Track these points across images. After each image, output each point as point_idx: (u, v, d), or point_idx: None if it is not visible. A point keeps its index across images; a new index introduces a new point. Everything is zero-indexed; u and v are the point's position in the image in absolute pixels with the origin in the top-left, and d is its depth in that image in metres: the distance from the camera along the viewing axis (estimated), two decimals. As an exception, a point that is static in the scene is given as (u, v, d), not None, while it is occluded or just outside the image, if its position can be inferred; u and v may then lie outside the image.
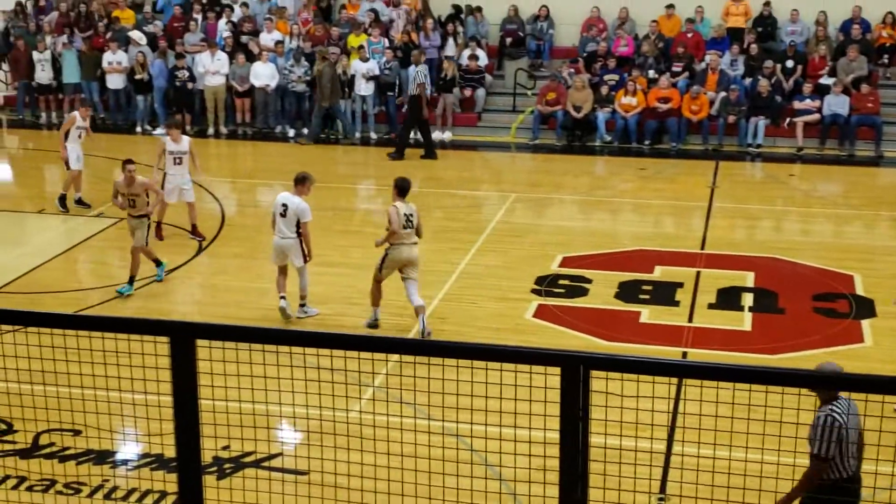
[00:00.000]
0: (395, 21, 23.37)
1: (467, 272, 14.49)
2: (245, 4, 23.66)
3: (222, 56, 22.10)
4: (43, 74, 23.08)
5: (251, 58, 22.21)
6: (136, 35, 23.03)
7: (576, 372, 3.95)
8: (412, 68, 20.96)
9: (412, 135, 20.84)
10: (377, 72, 21.82)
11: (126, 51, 22.73)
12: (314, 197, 18.27)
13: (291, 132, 22.28)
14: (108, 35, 23.19)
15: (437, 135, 22.02)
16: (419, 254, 12.41)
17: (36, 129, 23.19)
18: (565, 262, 14.69)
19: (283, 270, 12.69)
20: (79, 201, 17.17)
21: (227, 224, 16.69)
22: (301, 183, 12.62)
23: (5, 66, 24.68)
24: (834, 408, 6.77)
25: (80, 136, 16.81)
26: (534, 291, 13.63)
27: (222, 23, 23.38)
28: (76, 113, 17.16)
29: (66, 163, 16.61)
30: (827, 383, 5.84)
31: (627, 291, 13.70)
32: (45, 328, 4.68)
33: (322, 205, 17.87)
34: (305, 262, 12.63)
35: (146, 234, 13.63)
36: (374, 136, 22.15)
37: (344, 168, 20.83)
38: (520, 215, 17.30)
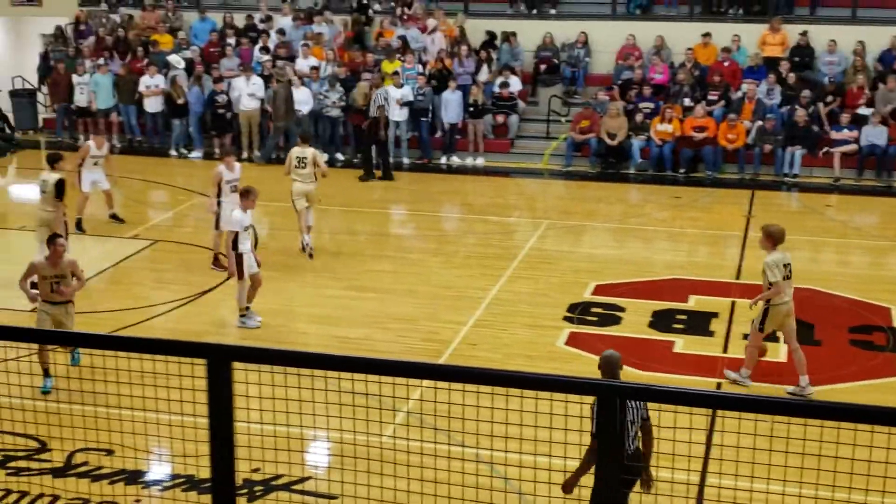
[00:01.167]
0: (428, 47, 23.47)
1: (499, 299, 14.44)
2: (282, 31, 23.84)
3: (258, 81, 22.26)
4: (81, 98, 23.33)
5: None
6: (173, 59, 23.24)
7: (611, 402, 3.92)
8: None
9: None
10: (410, 98, 21.90)
11: (164, 75, 22.95)
12: (347, 220, 18.38)
13: (325, 156, 22.35)
14: (146, 59, 23.43)
15: (468, 160, 22.08)
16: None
17: (74, 152, 23.34)
18: (598, 290, 14.62)
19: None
20: (113, 216, 17.52)
21: (260, 247, 16.72)
22: (245, 196, 13.30)
23: (45, 90, 24.96)
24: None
25: (95, 164, 17.00)
26: (566, 319, 13.57)
27: (258, 48, 23.58)
28: (90, 143, 17.38)
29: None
30: (866, 418, 5.76)
31: (661, 320, 13.60)
32: (81, 348, 4.70)
33: (354, 229, 17.98)
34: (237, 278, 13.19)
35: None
36: (406, 160, 22.21)
37: (375, 192, 20.88)
38: (552, 242, 17.25)
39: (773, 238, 11.11)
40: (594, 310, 13.90)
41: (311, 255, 15.80)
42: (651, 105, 21.83)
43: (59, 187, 14.69)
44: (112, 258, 16.10)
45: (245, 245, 13.14)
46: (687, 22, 23.52)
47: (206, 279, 15.07)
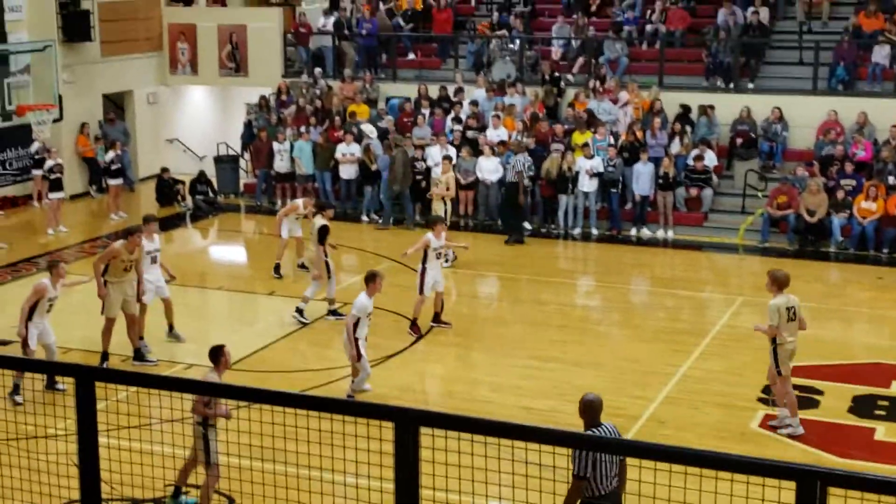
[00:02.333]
0: (620, 119, 23.32)
1: (689, 376, 14.02)
2: (474, 102, 24.17)
3: (450, 149, 22.58)
4: (281, 164, 24.18)
5: (477, 152, 22.60)
6: (367, 128, 23.85)
7: (811, 488, 3.68)
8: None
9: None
10: (601, 169, 21.76)
11: (358, 143, 23.56)
12: (534, 290, 18.27)
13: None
14: (343, 128, 24.13)
15: (659, 233, 21.69)
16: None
17: (272, 216, 24.18)
18: (795, 372, 13.91)
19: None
20: (301, 265, 18.71)
21: (445, 314, 16.82)
22: (371, 281, 13.12)
23: (247, 156, 26.02)
24: (595, 431, 8.01)
25: (296, 219, 18.50)
26: (760, 400, 13.03)
27: (450, 118, 23.95)
28: (299, 201, 18.80)
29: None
30: None
31: (862, 406, 12.90)
32: (275, 405, 4.71)
33: (541, 299, 17.84)
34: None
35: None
36: (595, 231, 22.00)
37: (563, 263, 20.75)
38: (746, 319, 16.62)
39: (778, 283, 12.03)
40: (790, 392, 13.29)
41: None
42: (853, 182, 20.98)
43: (323, 232, 16.18)
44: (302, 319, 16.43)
45: (363, 331, 13.05)
46: (891, 98, 22.59)
47: (393, 343, 15.21)
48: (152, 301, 14.96)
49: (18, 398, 12.46)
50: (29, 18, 24.49)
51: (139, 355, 14.50)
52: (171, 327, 15.39)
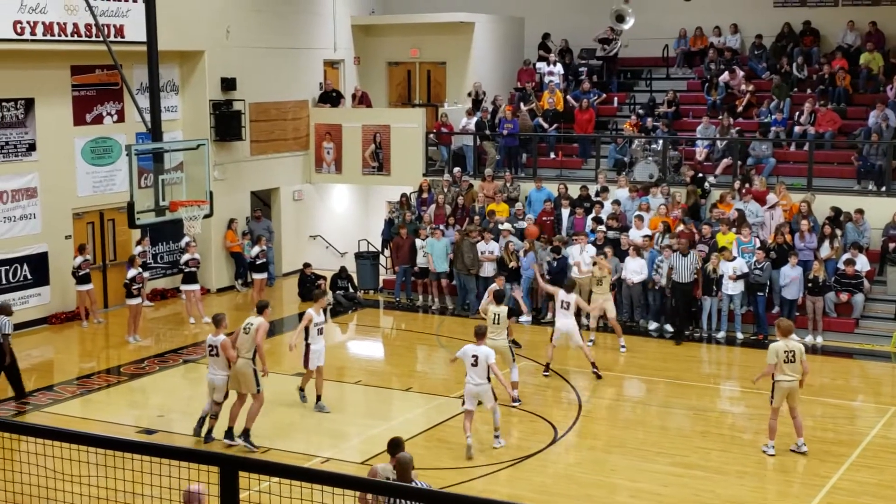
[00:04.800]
0: (767, 222, 22.75)
1: (838, 487, 13.32)
2: (617, 202, 23.97)
3: (590, 249, 22.37)
4: (423, 260, 24.37)
5: (619, 252, 22.32)
6: (506, 227, 23.87)
7: None
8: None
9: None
10: (745, 270, 21.19)
11: (497, 241, 23.57)
12: (673, 393, 17.79)
13: (653, 325, 21.98)
14: (482, 227, 24.20)
15: (807, 338, 20.90)
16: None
17: (411, 312, 24.33)
18: None
19: (470, 414, 14.37)
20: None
21: (584, 415, 16.46)
22: (480, 336, 14.53)
23: (387, 252, 26.31)
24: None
25: None
26: (918, 517, 12.24)
27: (590, 218, 23.78)
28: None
29: None
30: None
31: None
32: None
33: (683, 404, 17.29)
34: (495, 400, 14.52)
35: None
36: (740, 335, 21.34)
37: (707, 367, 20.14)
38: (901, 431, 15.79)
39: (781, 329, 14.40)
40: (952, 509, 12.46)
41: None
42: None
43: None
44: (437, 417, 16.29)
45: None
46: None
47: (529, 444, 14.92)
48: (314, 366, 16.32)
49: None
50: (184, 118, 25.58)
51: (247, 436, 14.77)
52: (318, 398, 16.63)
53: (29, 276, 22.32)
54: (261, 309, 15.20)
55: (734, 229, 22.13)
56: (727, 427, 16.29)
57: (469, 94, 28.65)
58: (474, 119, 27.32)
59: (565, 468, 14.37)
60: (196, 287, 22.89)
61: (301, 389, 16.82)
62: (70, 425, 15.11)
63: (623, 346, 20.18)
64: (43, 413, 16.53)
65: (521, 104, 28.02)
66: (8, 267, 21.89)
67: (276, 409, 16.04)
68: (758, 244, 21.83)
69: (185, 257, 22.78)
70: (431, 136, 27.57)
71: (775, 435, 14.46)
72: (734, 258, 21.23)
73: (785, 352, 14.10)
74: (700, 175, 24.32)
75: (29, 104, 22.18)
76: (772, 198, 22.87)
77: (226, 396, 15.01)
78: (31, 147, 22.30)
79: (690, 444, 15.03)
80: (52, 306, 22.73)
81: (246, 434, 14.71)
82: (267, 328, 14.95)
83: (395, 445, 10.72)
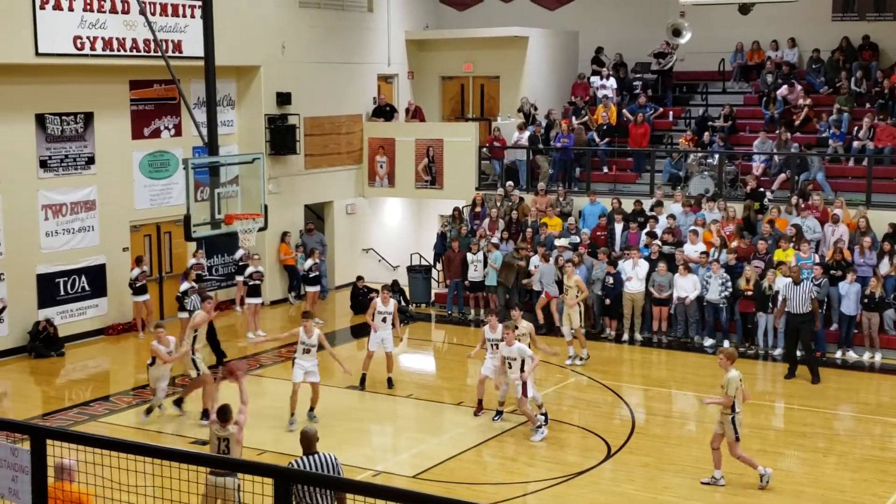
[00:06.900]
0: (826, 238, 22.43)
1: (899, 509, 13.05)
2: (671, 216, 23.78)
3: (643, 264, 22.21)
4: (475, 274, 24.35)
5: (672, 267, 22.13)
6: (560, 242, 23.77)
7: None
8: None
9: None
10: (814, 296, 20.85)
11: (548, 256, 23.44)
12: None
13: (709, 342, 21.75)
14: (535, 240, 24.13)
15: (865, 356, 20.57)
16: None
17: (462, 326, 24.29)
18: None
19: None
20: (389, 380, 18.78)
21: (637, 432, 16.31)
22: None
23: (439, 266, 26.33)
24: (307, 459, 9.60)
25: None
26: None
27: (644, 232, 23.60)
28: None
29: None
30: None
31: None
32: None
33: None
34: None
35: None
36: (797, 353, 21.02)
37: (762, 384, 19.86)
38: (963, 452, 15.47)
39: (732, 358, 13.58)
40: None
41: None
42: None
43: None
44: (488, 432, 16.23)
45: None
46: None
47: (580, 460, 14.82)
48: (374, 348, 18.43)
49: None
50: (239, 132, 25.84)
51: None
52: (389, 380, 18.55)
53: (87, 288, 22.63)
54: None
55: (792, 244, 21.83)
56: (784, 445, 16.04)
57: (519, 110, 28.63)
58: (527, 133, 27.29)
59: (617, 486, 14.24)
60: (259, 300, 23.03)
61: (363, 375, 18.56)
62: (125, 435, 15.27)
63: (583, 358, 20.00)
64: (99, 423, 16.72)
65: (573, 118, 27.97)
66: (67, 278, 22.22)
67: (330, 422, 16.07)
68: (816, 259, 21.54)
69: (249, 270, 22.84)
70: (484, 150, 27.58)
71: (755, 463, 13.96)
72: (801, 281, 20.30)
73: (740, 380, 13.55)
74: (760, 189, 24.05)
75: (88, 118, 22.53)
76: (838, 212, 22.38)
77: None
78: (90, 160, 22.65)
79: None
80: (109, 317, 23.03)
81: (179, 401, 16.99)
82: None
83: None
